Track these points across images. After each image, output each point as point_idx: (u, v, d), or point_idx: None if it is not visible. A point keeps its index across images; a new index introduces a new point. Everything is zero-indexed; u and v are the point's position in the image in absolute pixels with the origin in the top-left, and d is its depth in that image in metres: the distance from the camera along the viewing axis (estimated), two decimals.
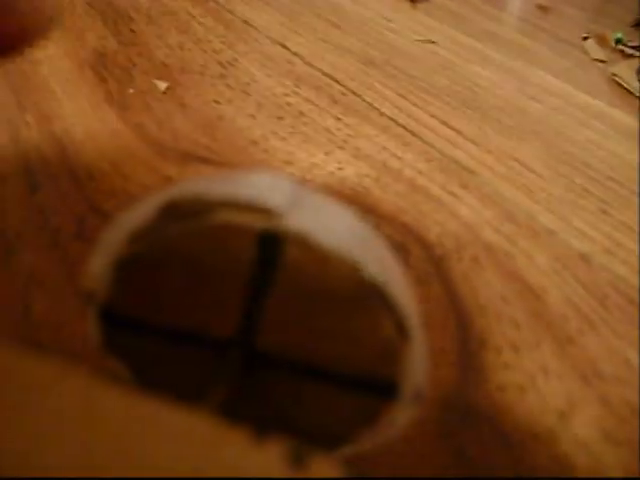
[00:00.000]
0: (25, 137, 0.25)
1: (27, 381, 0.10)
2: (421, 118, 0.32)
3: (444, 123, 0.32)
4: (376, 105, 0.33)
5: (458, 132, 0.32)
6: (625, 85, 0.40)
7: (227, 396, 0.12)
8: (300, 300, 0.12)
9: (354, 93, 0.33)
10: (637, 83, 0.40)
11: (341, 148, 0.29)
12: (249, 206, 0.11)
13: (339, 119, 0.31)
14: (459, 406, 0.19)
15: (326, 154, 0.28)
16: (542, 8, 0.56)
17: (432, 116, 0.33)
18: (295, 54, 0.37)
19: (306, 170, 0.27)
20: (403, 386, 0.13)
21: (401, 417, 0.13)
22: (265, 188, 0.12)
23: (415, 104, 0.34)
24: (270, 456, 0.09)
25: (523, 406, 0.19)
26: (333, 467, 0.09)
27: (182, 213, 0.11)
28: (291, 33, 0.39)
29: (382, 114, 0.32)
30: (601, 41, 0.48)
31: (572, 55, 0.45)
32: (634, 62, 0.43)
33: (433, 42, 0.42)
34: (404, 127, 0.31)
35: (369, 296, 0.12)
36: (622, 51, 0.47)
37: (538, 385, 0.20)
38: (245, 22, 0.40)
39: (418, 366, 0.13)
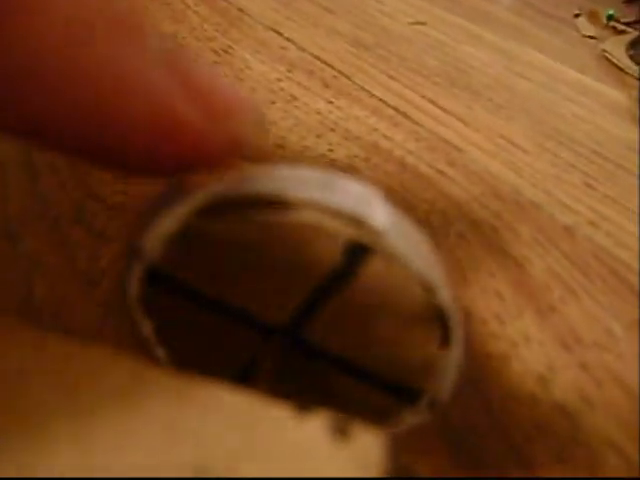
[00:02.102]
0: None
1: (79, 368, 0.10)
2: (411, 99, 0.33)
3: (434, 103, 0.33)
4: (367, 87, 0.33)
5: (447, 112, 0.32)
6: (615, 61, 0.41)
7: (270, 377, 0.13)
8: (363, 308, 0.13)
9: (345, 76, 0.34)
10: (627, 59, 0.41)
11: (332, 130, 0.30)
12: (343, 213, 0.12)
13: (330, 102, 0.32)
14: None
15: (317, 137, 0.29)
16: None
17: (422, 97, 0.33)
18: (288, 39, 0.37)
19: (298, 153, 0.28)
20: (425, 394, 0.14)
21: (411, 419, 0.14)
22: (359, 199, 0.12)
23: (405, 85, 0.34)
24: (313, 428, 0.10)
25: (506, 372, 0.20)
26: (375, 438, 0.10)
27: (262, 204, 0.12)
28: (284, 19, 0.40)
29: (372, 96, 0.33)
30: (593, 18, 0.48)
31: (563, 32, 0.46)
32: (625, 38, 0.43)
33: (424, 23, 0.43)
34: (394, 108, 0.32)
35: (432, 317, 0.13)
36: (614, 27, 0.47)
37: (520, 352, 0.20)
38: (239, 10, 0.40)
39: (447, 379, 0.14)
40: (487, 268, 0.23)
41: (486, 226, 0.25)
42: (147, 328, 0.14)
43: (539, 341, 0.21)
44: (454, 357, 0.13)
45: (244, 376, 0.15)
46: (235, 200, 0.12)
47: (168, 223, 0.12)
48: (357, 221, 0.12)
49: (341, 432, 0.10)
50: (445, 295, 0.12)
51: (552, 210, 0.26)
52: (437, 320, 0.13)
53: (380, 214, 0.12)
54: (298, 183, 0.12)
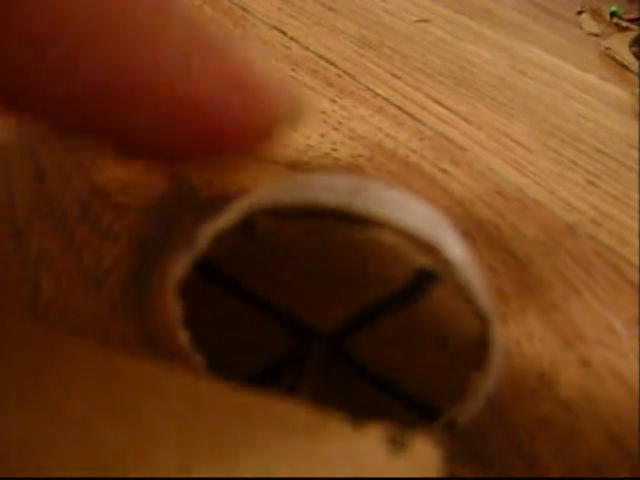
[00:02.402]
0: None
1: (138, 382, 0.10)
2: (415, 98, 0.33)
3: (437, 102, 0.33)
4: (371, 86, 0.34)
5: (451, 110, 0.32)
6: (618, 58, 0.41)
7: (315, 385, 0.13)
8: (416, 332, 0.13)
9: (349, 75, 0.34)
10: (631, 56, 0.41)
11: (336, 129, 0.30)
12: (419, 238, 0.12)
13: (334, 101, 0.32)
14: None
15: (321, 136, 0.29)
16: None
17: (426, 95, 0.34)
18: (292, 39, 0.37)
19: (302, 152, 0.28)
20: (445, 416, 0.14)
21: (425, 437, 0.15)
22: (432, 224, 0.12)
23: (409, 84, 0.34)
24: (371, 440, 0.10)
25: (508, 370, 0.20)
26: (432, 448, 0.10)
27: (342, 216, 0.12)
28: (288, 18, 0.40)
29: (376, 95, 0.33)
30: (596, 15, 0.48)
31: (566, 30, 0.46)
32: (628, 35, 0.43)
33: (427, 21, 0.43)
34: (398, 107, 0.32)
35: (481, 351, 0.13)
36: (617, 24, 0.48)
37: (523, 350, 0.21)
38: (243, 9, 0.41)
39: (473, 404, 0.14)
40: (490, 267, 0.23)
41: (489, 224, 0.25)
42: (176, 312, 0.14)
43: (542, 338, 0.21)
44: (487, 384, 0.13)
45: (269, 373, 0.15)
46: (303, 207, 0.12)
47: (228, 217, 0.12)
48: (432, 249, 0.12)
49: (397, 443, 0.10)
50: (497, 329, 0.13)
51: (555, 208, 0.26)
52: (484, 355, 0.13)
53: (454, 244, 0.12)
54: (370, 198, 0.12)
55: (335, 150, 0.28)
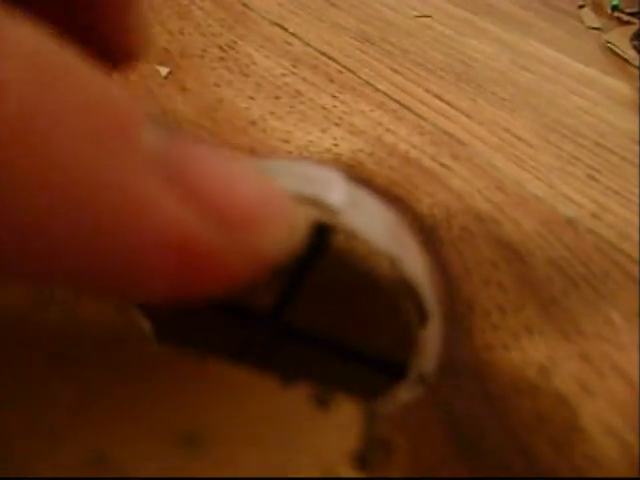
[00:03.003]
0: None
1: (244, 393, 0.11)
2: (415, 93, 0.33)
3: (438, 97, 0.33)
4: (371, 82, 0.34)
5: (451, 105, 0.33)
6: (619, 52, 0.41)
7: (260, 363, 0.14)
8: (337, 285, 0.13)
9: (350, 70, 0.34)
10: (632, 50, 0.41)
11: (337, 125, 0.30)
12: (307, 199, 0.12)
13: (335, 97, 0.32)
14: (446, 365, 0.20)
15: (322, 131, 0.29)
16: None
17: (426, 90, 0.34)
18: (293, 34, 0.38)
19: (303, 148, 0.28)
20: (412, 369, 0.14)
21: (404, 396, 0.15)
22: (322, 184, 0.13)
23: (410, 79, 0.35)
24: (297, 398, 0.10)
25: (507, 364, 0.20)
26: (354, 407, 0.10)
27: None
28: (289, 13, 0.40)
29: (377, 90, 0.33)
30: (597, 8, 0.48)
31: (567, 24, 0.46)
32: (629, 29, 0.43)
33: (429, 16, 0.43)
34: (399, 102, 0.32)
35: (400, 289, 0.13)
36: (618, 18, 0.48)
37: (522, 343, 0.21)
38: (244, 5, 0.41)
39: (429, 352, 0.14)
40: (490, 260, 0.23)
41: (489, 219, 0.25)
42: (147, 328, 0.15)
43: (540, 332, 0.21)
44: (432, 330, 0.13)
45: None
46: None
47: None
48: (316, 202, 0.12)
49: (323, 402, 0.10)
50: (411, 267, 0.13)
51: (555, 203, 0.27)
52: (408, 293, 0.13)
53: (336, 194, 0.13)
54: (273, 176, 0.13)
55: (336, 145, 0.28)
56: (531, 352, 0.20)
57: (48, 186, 0.07)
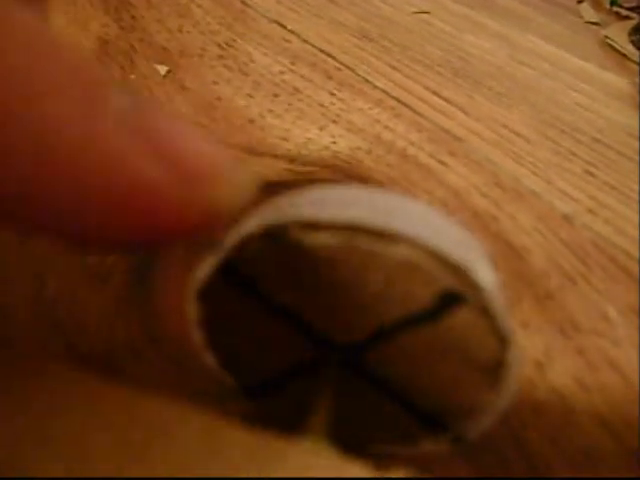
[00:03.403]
0: None
1: (154, 423, 0.10)
2: (413, 89, 0.33)
3: (436, 93, 0.33)
4: (370, 79, 0.34)
5: (449, 102, 0.33)
6: (618, 47, 0.41)
7: (332, 402, 0.14)
8: (435, 349, 0.13)
9: (348, 68, 0.35)
10: (630, 45, 0.41)
11: (335, 122, 0.30)
12: (446, 259, 0.12)
13: (333, 94, 0.32)
14: None
15: (320, 129, 0.29)
16: None
17: (424, 87, 0.34)
18: (291, 32, 0.38)
19: (301, 145, 0.28)
20: (453, 430, 0.14)
21: (431, 448, 0.15)
22: (464, 247, 0.13)
23: (408, 76, 0.35)
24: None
25: None
26: None
27: (371, 233, 0.12)
28: (288, 11, 0.40)
29: (375, 87, 0.33)
30: (596, 3, 0.48)
31: (566, 19, 0.46)
32: (628, 24, 0.43)
33: (427, 12, 0.43)
34: (397, 99, 0.32)
35: (498, 371, 0.13)
36: (617, 13, 0.47)
37: (518, 339, 0.21)
38: (243, 2, 0.41)
39: (483, 422, 0.14)
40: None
41: (486, 215, 0.25)
42: (192, 313, 0.15)
43: (537, 327, 0.21)
44: (500, 405, 0.14)
45: (281, 379, 0.16)
46: (340, 222, 0.12)
47: (255, 223, 0.13)
48: (460, 271, 0.12)
49: None
50: (516, 349, 0.13)
51: (552, 198, 0.27)
52: (501, 375, 0.13)
53: (484, 270, 0.12)
54: (400, 216, 0.13)
55: (334, 143, 0.29)
56: (527, 347, 0.21)
57: (35, 134, 0.09)
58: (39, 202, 0.09)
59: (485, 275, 0.12)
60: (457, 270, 0.12)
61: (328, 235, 0.12)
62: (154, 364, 0.19)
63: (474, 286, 0.12)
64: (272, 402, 0.16)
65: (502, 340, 0.13)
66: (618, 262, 0.24)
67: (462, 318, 0.12)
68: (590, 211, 0.26)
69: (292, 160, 0.27)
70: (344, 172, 0.27)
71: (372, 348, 0.14)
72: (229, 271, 0.14)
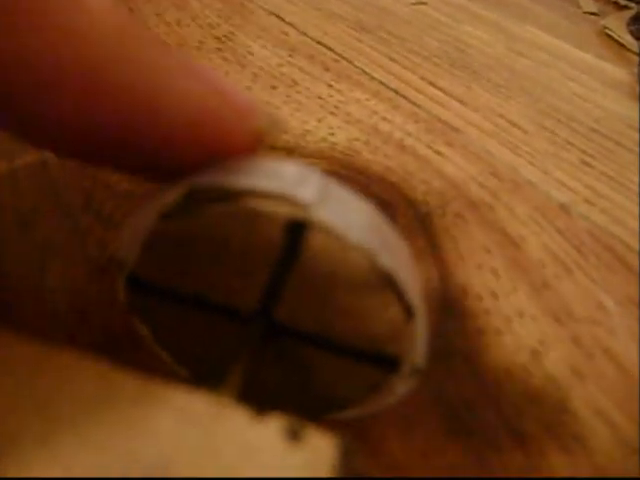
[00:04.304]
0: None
1: (45, 373, 0.11)
2: (411, 81, 0.34)
3: (433, 84, 0.33)
4: (367, 70, 0.34)
5: (446, 92, 0.33)
6: (616, 37, 0.41)
7: (250, 363, 0.14)
8: (318, 281, 0.13)
9: (346, 59, 0.35)
10: (628, 35, 0.41)
11: (333, 114, 0.30)
12: (278, 196, 0.13)
13: (331, 86, 0.32)
14: (439, 349, 0.20)
15: (318, 121, 0.30)
16: None
17: (422, 78, 0.34)
18: (289, 24, 0.38)
19: (299, 137, 0.28)
20: (404, 362, 0.15)
21: (400, 388, 0.15)
22: (294, 180, 0.13)
23: (405, 67, 0.35)
24: (269, 431, 0.10)
25: (499, 347, 0.21)
26: (327, 440, 0.10)
27: (211, 198, 0.13)
28: (286, 3, 0.41)
29: (373, 79, 0.33)
30: None
31: (564, 9, 0.46)
32: (626, 14, 0.43)
33: (425, 3, 0.43)
34: (394, 90, 0.33)
35: (380, 282, 0.13)
36: (616, 3, 0.47)
37: (514, 327, 0.21)
38: None
39: (419, 344, 0.14)
40: (483, 246, 0.24)
41: (483, 205, 0.26)
42: (145, 333, 0.15)
43: (532, 316, 0.21)
44: (420, 323, 0.14)
45: (225, 360, 0.16)
46: (188, 198, 0.13)
47: (135, 230, 0.13)
48: (290, 200, 0.13)
49: (295, 435, 0.10)
50: (390, 261, 0.13)
51: (548, 188, 0.27)
52: (388, 286, 0.13)
53: (309, 190, 0.13)
54: (241, 173, 0.13)
55: (332, 134, 0.29)
56: (523, 336, 0.21)
57: (122, 74, 0.11)
58: (133, 130, 0.12)
59: (313, 196, 0.13)
60: (288, 200, 0.13)
61: (182, 215, 0.13)
62: (152, 354, 0.19)
63: (304, 207, 0.13)
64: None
65: (363, 252, 0.13)
66: (614, 251, 0.24)
67: (315, 241, 0.13)
68: (586, 201, 0.27)
69: (290, 151, 0.27)
70: (342, 163, 0.27)
71: (275, 305, 0.14)
72: (136, 282, 0.14)
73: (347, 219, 0.13)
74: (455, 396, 0.19)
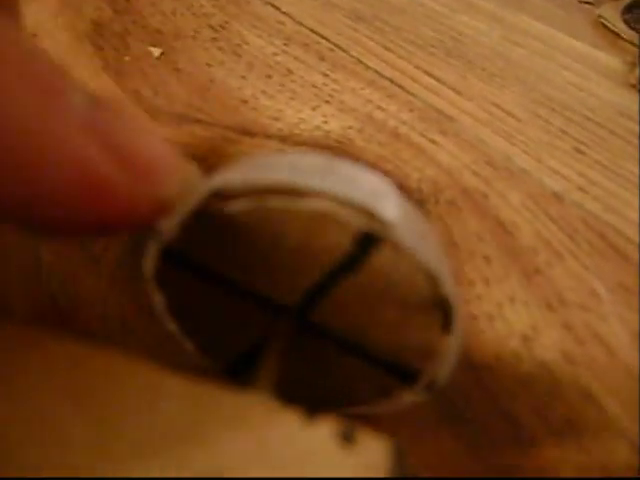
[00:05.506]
0: None
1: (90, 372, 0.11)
2: (406, 70, 0.34)
3: (428, 73, 0.33)
4: (362, 59, 0.34)
5: (441, 81, 0.33)
6: (611, 26, 0.41)
7: (279, 355, 0.14)
8: (370, 293, 0.14)
9: (341, 49, 0.35)
10: (622, 24, 0.41)
11: (327, 103, 0.30)
12: (357, 206, 0.13)
13: (326, 75, 0.32)
14: None
15: (313, 109, 0.30)
16: None
17: (416, 67, 0.34)
18: (285, 13, 0.38)
19: (293, 125, 0.28)
20: (424, 377, 0.15)
21: (408, 399, 0.15)
22: (372, 192, 0.13)
23: (401, 56, 0.35)
24: (321, 434, 0.10)
25: (491, 333, 0.21)
26: (380, 442, 0.10)
27: (277, 191, 0.13)
28: None
29: (368, 68, 0.33)
30: None
31: None
32: (621, 3, 0.43)
33: None
34: (389, 79, 0.33)
35: (436, 307, 0.13)
36: None
37: (505, 313, 0.21)
38: None
39: (447, 364, 0.15)
40: (476, 233, 0.24)
41: (476, 193, 0.26)
42: (159, 303, 0.15)
43: (524, 302, 0.22)
44: (454, 343, 0.14)
45: (252, 353, 0.16)
46: (251, 186, 0.13)
47: (185, 204, 0.13)
48: (369, 212, 0.13)
49: (348, 438, 0.10)
50: (448, 285, 0.13)
51: (542, 176, 0.27)
52: (439, 308, 0.13)
53: (391, 207, 0.13)
54: (313, 173, 0.13)
55: (326, 123, 0.29)
56: (514, 322, 0.21)
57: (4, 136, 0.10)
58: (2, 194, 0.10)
59: (392, 213, 0.13)
60: (366, 212, 0.12)
61: (243, 201, 0.13)
62: (145, 340, 0.19)
63: (385, 225, 0.13)
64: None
65: (429, 276, 0.13)
66: (607, 239, 0.24)
67: (383, 257, 0.13)
68: (580, 189, 0.27)
69: (284, 140, 0.28)
70: (335, 151, 0.27)
71: (312, 306, 0.15)
72: (172, 257, 0.14)
73: (419, 242, 0.13)
74: (447, 381, 0.19)
